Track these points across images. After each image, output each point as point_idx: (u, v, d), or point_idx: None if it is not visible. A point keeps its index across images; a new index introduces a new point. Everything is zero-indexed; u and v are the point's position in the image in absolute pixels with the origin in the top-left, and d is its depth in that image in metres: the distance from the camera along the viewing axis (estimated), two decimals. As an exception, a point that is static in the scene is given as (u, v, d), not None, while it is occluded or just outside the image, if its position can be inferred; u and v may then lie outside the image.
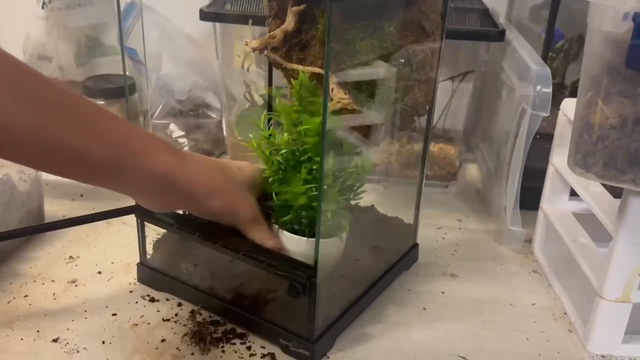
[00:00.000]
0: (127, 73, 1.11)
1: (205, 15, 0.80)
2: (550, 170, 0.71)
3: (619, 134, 0.43)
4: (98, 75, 1.03)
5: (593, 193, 0.62)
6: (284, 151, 0.59)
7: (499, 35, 0.79)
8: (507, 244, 0.76)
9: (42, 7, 0.99)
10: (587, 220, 0.67)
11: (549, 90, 0.66)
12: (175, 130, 0.94)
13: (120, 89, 0.98)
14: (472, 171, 0.97)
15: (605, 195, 0.61)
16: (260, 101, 0.93)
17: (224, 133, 0.94)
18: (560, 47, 0.92)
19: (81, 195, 0.83)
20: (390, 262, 0.67)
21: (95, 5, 1.06)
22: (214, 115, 0.98)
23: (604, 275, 0.56)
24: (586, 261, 0.60)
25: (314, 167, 0.56)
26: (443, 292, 0.66)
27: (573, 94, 0.94)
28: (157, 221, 0.60)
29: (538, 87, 0.66)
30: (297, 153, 0.58)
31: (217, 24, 0.84)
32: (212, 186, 0.54)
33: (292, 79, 0.66)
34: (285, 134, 0.60)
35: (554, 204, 0.72)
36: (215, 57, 0.99)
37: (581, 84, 0.45)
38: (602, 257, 0.60)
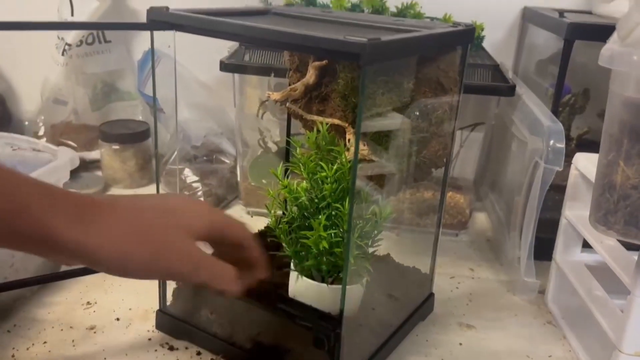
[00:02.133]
0: (141, 118, 1.14)
1: (225, 67, 0.82)
2: (562, 222, 0.72)
3: (640, 194, 0.44)
4: (114, 120, 1.06)
5: (608, 247, 0.63)
6: (302, 199, 0.60)
7: (510, 90, 0.82)
8: (520, 295, 0.76)
9: (63, 54, 1.01)
10: (599, 272, 0.68)
11: (562, 145, 0.68)
12: (190, 176, 0.95)
13: (135, 134, 1.01)
14: (481, 220, 0.98)
15: (620, 249, 0.62)
16: (274, 148, 0.95)
17: (238, 178, 0.96)
18: (567, 101, 0.95)
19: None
20: (408, 312, 0.67)
21: (113, 52, 1.09)
22: (227, 161, 1.00)
23: (622, 329, 0.56)
24: (602, 314, 0.61)
25: (333, 212, 0.57)
26: (460, 344, 0.66)
27: (579, 147, 0.97)
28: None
29: (552, 142, 0.68)
30: (316, 200, 0.59)
31: (236, 74, 0.86)
32: (127, 253, 0.43)
33: (312, 128, 0.68)
34: (304, 182, 0.61)
35: (567, 256, 0.73)
36: (229, 104, 1.02)
37: (602, 144, 0.47)
38: (618, 310, 0.60)
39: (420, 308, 0.69)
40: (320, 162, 0.58)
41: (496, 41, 1.03)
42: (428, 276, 0.71)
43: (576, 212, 0.71)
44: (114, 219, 0.43)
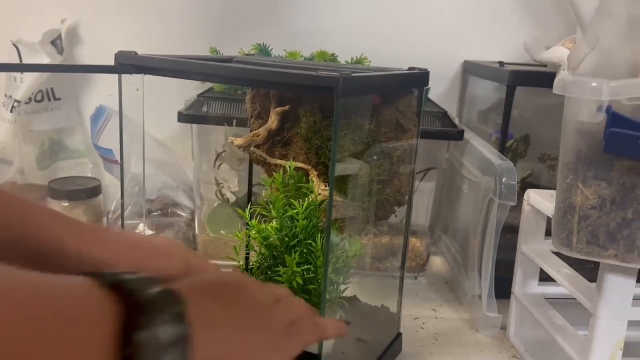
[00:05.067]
0: (91, 175, 1.11)
1: (183, 117, 0.83)
2: (519, 257, 0.75)
3: (599, 213, 0.47)
4: (63, 177, 1.03)
5: (566, 275, 0.66)
6: (272, 238, 0.60)
7: (459, 135, 0.86)
8: (483, 331, 0.78)
9: (11, 111, 0.99)
10: (557, 304, 0.71)
11: (514, 182, 0.72)
12: (145, 230, 0.93)
13: (86, 190, 0.98)
14: (437, 263, 1.01)
15: (578, 277, 0.65)
16: (232, 198, 0.95)
17: (196, 231, 0.94)
18: (510, 146, 1.01)
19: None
20: (378, 353, 0.67)
21: (62, 109, 1.08)
22: (183, 214, 0.99)
23: (587, 353, 0.58)
24: (567, 341, 0.63)
25: (305, 250, 0.58)
26: (432, 380, 0.66)
27: (523, 189, 1.02)
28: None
29: (504, 179, 0.72)
30: (286, 239, 0.60)
31: (194, 126, 0.87)
32: None
33: (274, 172, 0.69)
34: (274, 222, 0.61)
35: (526, 289, 0.75)
36: (182, 157, 1.02)
37: (560, 169, 0.50)
38: (580, 336, 0.63)
39: (389, 348, 0.69)
40: (291, 200, 0.59)
41: (440, 93, 1.08)
42: (395, 316, 0.72)
43: (532, 246, 0.74)
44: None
